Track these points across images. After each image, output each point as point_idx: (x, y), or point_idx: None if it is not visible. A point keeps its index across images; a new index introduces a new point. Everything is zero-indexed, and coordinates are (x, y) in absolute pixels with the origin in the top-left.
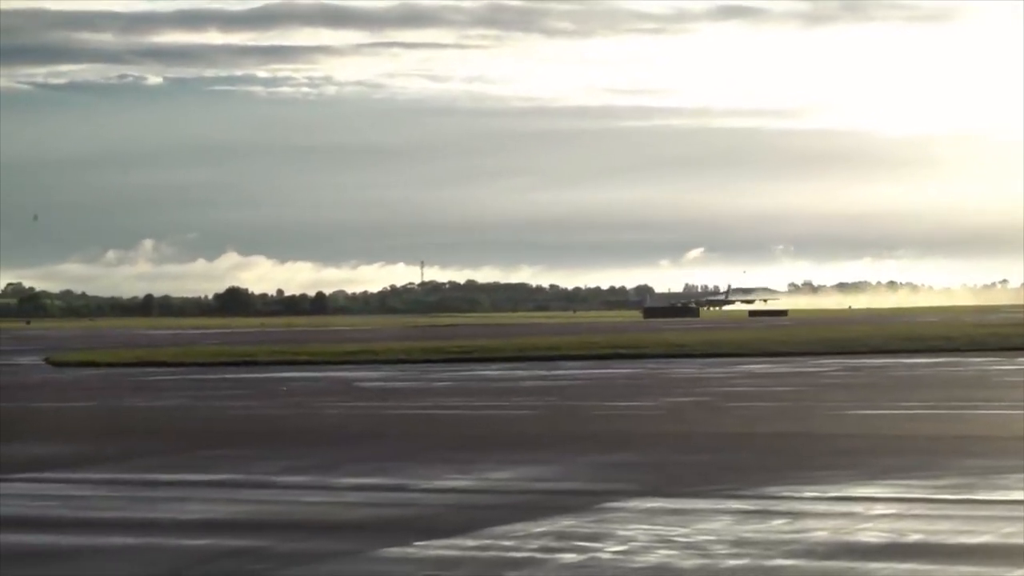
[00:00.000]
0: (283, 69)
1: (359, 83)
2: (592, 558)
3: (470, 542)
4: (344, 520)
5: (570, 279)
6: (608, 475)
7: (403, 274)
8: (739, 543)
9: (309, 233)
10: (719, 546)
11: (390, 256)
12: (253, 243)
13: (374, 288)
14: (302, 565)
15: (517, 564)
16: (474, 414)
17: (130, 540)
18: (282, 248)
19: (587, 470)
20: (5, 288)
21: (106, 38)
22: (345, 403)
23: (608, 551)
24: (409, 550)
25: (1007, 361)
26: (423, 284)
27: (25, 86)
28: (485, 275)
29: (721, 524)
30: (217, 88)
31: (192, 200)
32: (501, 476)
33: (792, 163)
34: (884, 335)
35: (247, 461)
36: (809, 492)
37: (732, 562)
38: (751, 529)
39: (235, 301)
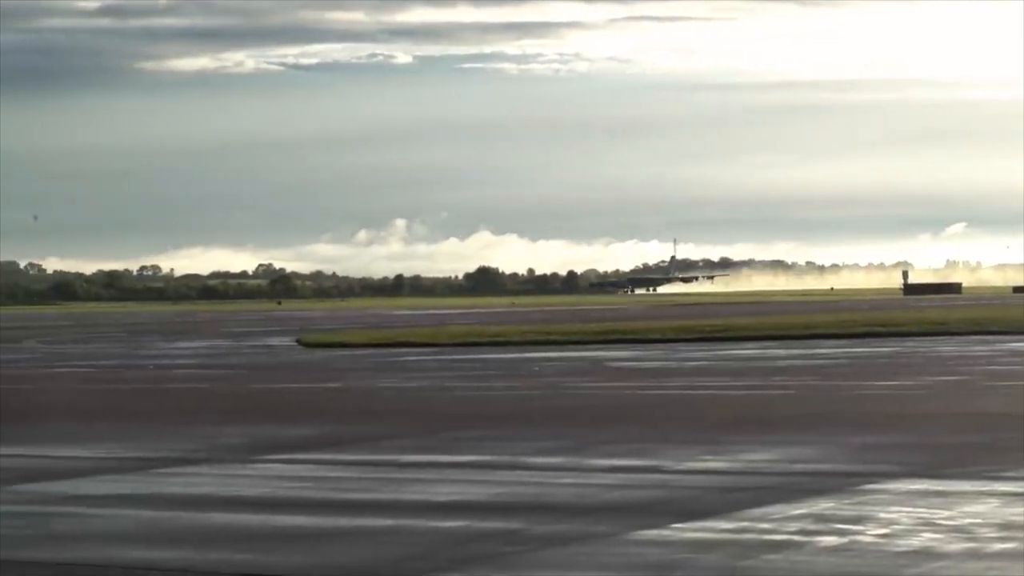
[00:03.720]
0: (533, 45)
1: (610, 59)
2: (853, 541)
3: (726, 524)
4: (597, 502)
5: (827, 255)
6: (867, 456)
7: (656, 252)
8: (1006, 526)
9: (560, 211)
10: (985, 529)
11: (643, 234)
12: (505, 222)
13: (626, 267)
14: (555, 547)
15: (775, 547)
16: (728, 394)
17: (382, 522)
18: (533, 226)
19: (845, 451)
20: (256, 269)
21: (357, 17)
22: (596, 383)
23: (869, 534)
24: (664, 532)
25: None
26: (675, 262)
27: (276, 67)
28: (739, 252)
29: (987, 507)
30: (466, 66)
31: (443, 179)
32: (757, 457)
33: None
34: None
35: (498, 442)
36: None
37: (999, 546)
38: (1019, 512)
39: (486, 281)
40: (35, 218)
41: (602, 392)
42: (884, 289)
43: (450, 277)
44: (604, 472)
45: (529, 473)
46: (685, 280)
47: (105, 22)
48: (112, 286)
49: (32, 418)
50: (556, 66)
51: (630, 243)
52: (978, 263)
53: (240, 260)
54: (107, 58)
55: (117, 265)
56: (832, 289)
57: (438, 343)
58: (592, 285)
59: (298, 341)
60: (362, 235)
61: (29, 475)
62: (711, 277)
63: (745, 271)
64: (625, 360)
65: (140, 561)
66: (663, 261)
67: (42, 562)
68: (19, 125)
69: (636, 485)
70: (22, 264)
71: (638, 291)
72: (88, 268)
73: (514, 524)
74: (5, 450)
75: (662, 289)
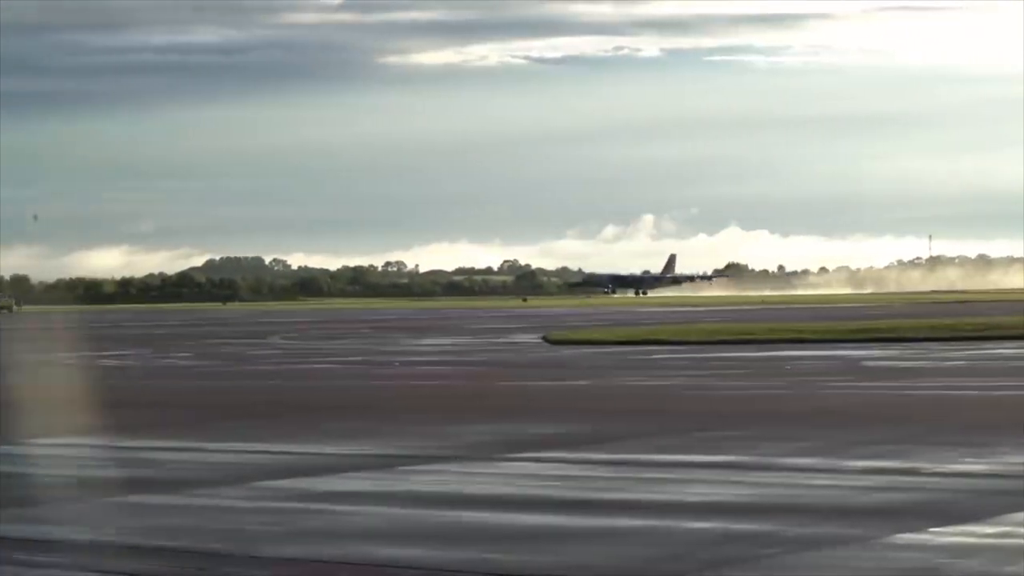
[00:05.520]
0: (782, 37)
1: (861, 50)
2: None
3: (987, 529)
4: (853, 504)
5: None
6: None
7: (911, 248)
8: None
9: (811, 206)
10: None
11: (897, 229)
12: (755, 217)
13: (879, 263)
14: (812, 550)
15: None
16: (988, 395)
17: (633, 522)
18: (784, 222)
19: None
20: (501, 265)
21: (603, 9)
22: (850, 382)
23: None
24: (923, 536)
25: None
26: (931, 259)
27: (520, 60)
28: (998, 248)
29: None
30: (715, 59)
31: (692, 174)
32: (1018, 460)
33: None
34: None
35: (750, 442)
36: None
37: None
38: None
39: (733, 278)
40: (35, 218)
41: (856, 391)
42: None
43: (699, 273)
44: (859, 474)
45: (783, 474)
46: (676, 281)
47: (348, 17)
48: (357, 282)
49: (278, 414)
50: (806, 58)
51: (885, 239)
52: None
53: (485, 256)
54: (350, 53)
55: (362, 261)
56: None
57: (686, 341)
58: (571, 285)
59: (544, 338)
60: (609, 231)
61: (278, 471)
62: (709, 278)
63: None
64: (880, 359)
65: (390, 559)
66: (918, 258)
67: (293, 558)
68: (263, 121)
69: (893, 487)
70: (267, 260)
71: (627, 293)
72: (333, 264)
73: (768, 526)
74: (253, 446)
75: (653, 292)
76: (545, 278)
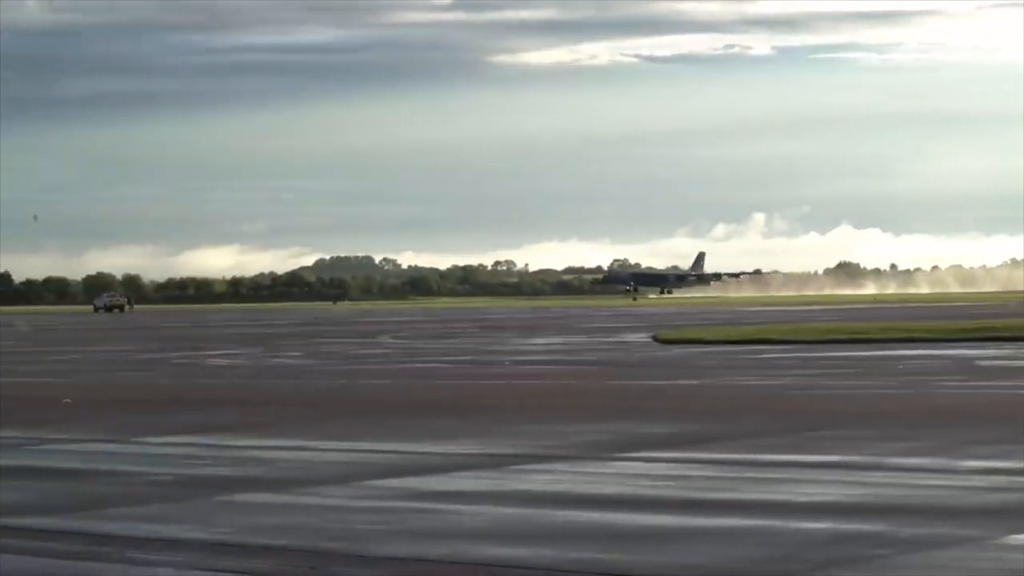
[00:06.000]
0: (893, 34)
1: (975, 48)
2: None
3: None
4: (968, 504)
5: None
6: None
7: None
8: None
9: (925, 204)
10: None
11: (1011, 227)
12: (867, 216)
13: (992, 261)
14: (924, 551)
15: None
16: None
17: (744, 522)
18: (897, 220)
19: None
20: (611, 264)
21: (714, 8)
22: (964, 382)
23: None
24: None
25: None
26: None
27: (631, 59)
28: None
29: None
30: (825, 56)
31: (804, 172)
32: None
33: None
34: None
35: (860, 442)
36: None
37: None
38: None
39: (846, 276)
40: (35, 218)
41: (971, 391)
42: None
43: (809, 272)
44: (973, 474)
45: (895, 474)
46: (703, 279)
47: (458, 16)
48: (466, 281)
49: (387, 413)
50: (917, 55)
51: (998, 236)
52: None
53: (595, 255)
54: (460, 52)
55: (471, 260)
56: None
57: (797, 340)
58: (593, 283)
59: (653, 337)
60: (719, 229)
61: (386, 470)
62: (737, 276)
63: None
64: (994, 358)
65: (499, 558)
66: None
67: (401, 558)
68: (374, 121)
69: (1007, 488)
70: (377, 260)
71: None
72: (443, 263)
73: (880, 526)
74: (362, 445)
75: (679, 292)
76: None
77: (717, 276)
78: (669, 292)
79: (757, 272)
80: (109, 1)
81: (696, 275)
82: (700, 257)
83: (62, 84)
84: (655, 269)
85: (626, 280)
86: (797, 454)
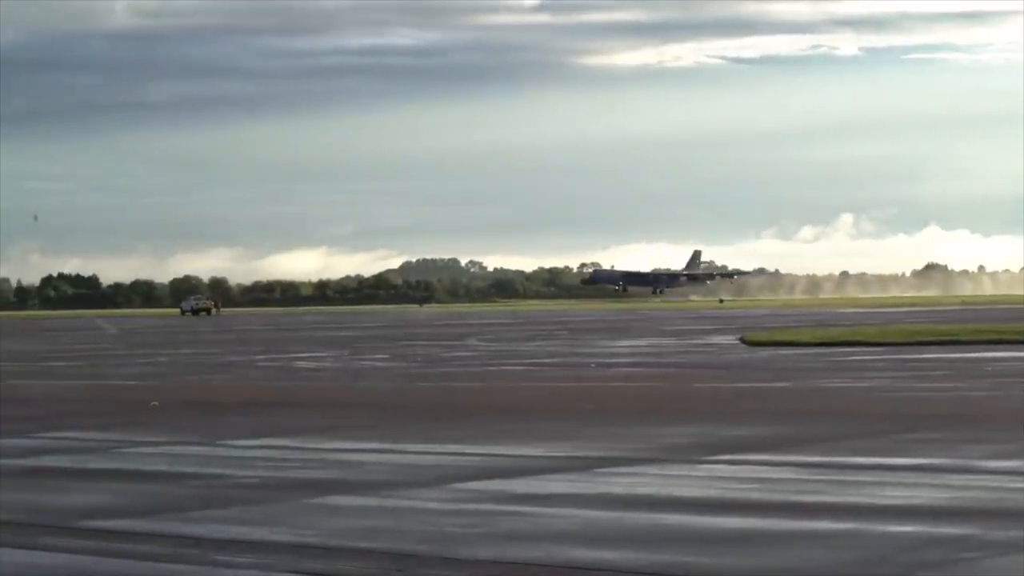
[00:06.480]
0: (984, 35)
1: None
2: None
3: None
4: None
5: None
6: None
7: None
8: None
9: (1013, 205)
10: None
11: None
12: (956, 217)
13: None
14: (1013, 554)
15: None
16: None
17: (831, 525)
18: (986, 222)
19: None
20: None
21: (800, 8)
22: None
23: None
24: None
25: None
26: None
27: (716, 60)
28: None
29: None
30: (914, 56)
31: (892, 174)
32: None
33: None
34: None
35: (950, 445)
36: None
37: None
38: None
39: (933, 279)
40: (35, 218)
41: None
42: None
43: (897, 274)
44: None
45: (984, 477)
46: (696, 279)
47: (545, 18)
48: (553, 283)
49: (474, 416)
50: (1007, 55)
51: None
52: None
53: (682, 256)
54: (547, 54)
55: (557, 262)
56: None
57: (886, 342)
58: (583, 283)
59: (741, 339)
60: (806, 231)
61: (474, 473)
62: (731, 276)
63: None
64: None
65: (587, 561)
66: None
67: (489, 560)
68: (461, 122)
69: None
70: (463, 262)
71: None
72: (529, 265)
73: (970, 530)
74: (449, 448)
75: (671, 291)
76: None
77: (711, 276)
78: (661, 292)
79: (773, 271)
80: (197, 1)
81: (689, 275)
82: (695, 256)
83: (149, 88)
84: (660, 269)
85: (615, 280)
86: (886, 457)
